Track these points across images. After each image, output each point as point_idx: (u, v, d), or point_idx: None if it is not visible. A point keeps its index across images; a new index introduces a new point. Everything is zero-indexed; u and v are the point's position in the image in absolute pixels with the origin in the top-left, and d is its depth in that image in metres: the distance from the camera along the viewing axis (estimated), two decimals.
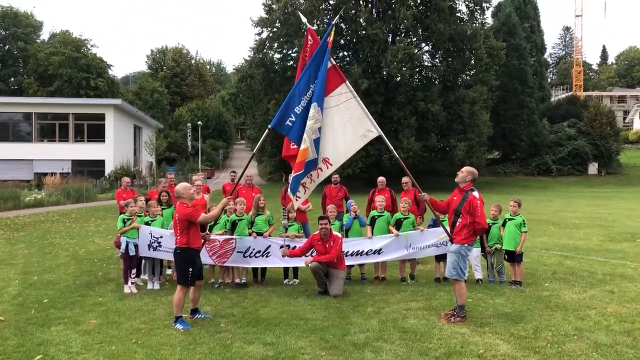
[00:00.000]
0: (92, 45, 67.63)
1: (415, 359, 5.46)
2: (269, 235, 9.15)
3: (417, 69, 44.56)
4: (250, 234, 9.01)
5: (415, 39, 44.32)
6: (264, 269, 9.34)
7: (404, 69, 39.91)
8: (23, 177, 39.39)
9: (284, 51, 46.44)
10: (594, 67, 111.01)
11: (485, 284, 8.96)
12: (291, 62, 46.03)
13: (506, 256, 8.97)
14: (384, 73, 41.83)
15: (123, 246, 8.67)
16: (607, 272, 9.82)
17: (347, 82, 8.44)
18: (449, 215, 7.19)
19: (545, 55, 72.88)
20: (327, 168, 8.40)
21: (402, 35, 43.62)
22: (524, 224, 8.87)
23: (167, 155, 61.21)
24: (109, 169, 42.32)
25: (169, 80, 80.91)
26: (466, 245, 6.89)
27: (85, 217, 22.26)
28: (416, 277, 9.44)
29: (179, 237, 6.75)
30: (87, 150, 43.15)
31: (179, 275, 6.86)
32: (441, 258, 9.21)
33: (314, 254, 8.45)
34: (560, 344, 5.86)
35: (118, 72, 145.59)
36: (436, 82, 44.47)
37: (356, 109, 8.32)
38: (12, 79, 66.90)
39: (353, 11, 43.80)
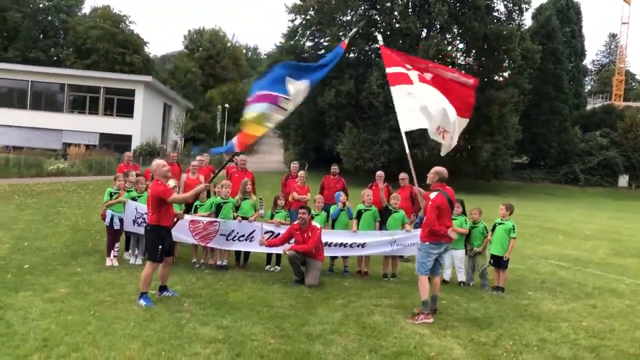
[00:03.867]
0: (130, 22, 68.54)
1: (363, 355, 5.40)
2: (254, 220, 9.15)
3: (449, 66, 43.95)
4: (235, 218, 9.02)
5: (449, 36, 43.69)
6: (247, 253, 9.36)
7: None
8: (52, 146, 40.26)
9: (316, 39, 46.38)
10: (639, 77, 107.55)
11: (467, 287, 8.82)
12: (322, 51, 45.95)
13: (492, 261, 8.80)
14: None
15: (108, 219, 8.79)
16: (599, 285, 9.54)
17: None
18: None
19: (587, 62, 71.05)
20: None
21: (436, 31, 43.03)
22: (514, 229, 8.66)
23: (194, 136, 61.79)
24: (135, 144, 42.96)
25: (204, 62, 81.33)
26: (427, 243, 6.94)
27: (101, 190, 22.42)
28: (398, 275, 9.31)
29: (150, 215, 6.81)
30: (115, 124, 43.87)
31: (149, 252, 6.95)
32: None
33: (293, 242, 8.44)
34: (518, 353, 5.73)
35: (159, 50, 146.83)
36: None
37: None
38: (52, 50, 68.33)
39: (389, 4, 43.42)
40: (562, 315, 7.38)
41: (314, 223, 8.45)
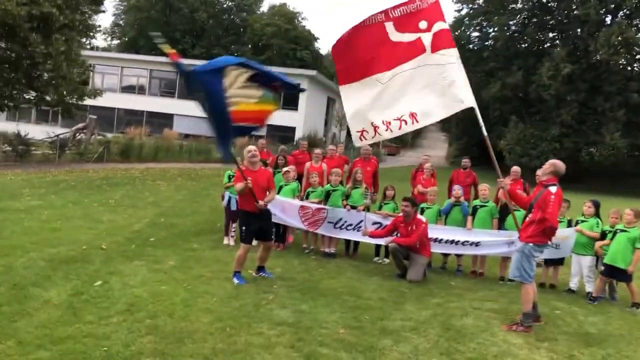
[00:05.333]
0: (302, 19, 71.72)
1: (431, 356, 5.01)
2: (364, 210, 9.00)
3: (637, 56, 39.30)
4: (344, 206, 8.97)
5: (637, 22, 38.99)
6: (357, 243, 9.25)
7: (619, 53, 35.48)
8: None
9: (483, 29, 44.38)
10: None
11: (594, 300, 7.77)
12: (489, 42, 43.90)
13: (602, 268, 7.65)
14: (594, 58, 37.64)
15: (225, 200, 9.29)
16: None
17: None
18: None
19: None
20: (413, 124, 7.59)
21: (622, 17, 38.62)
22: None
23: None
24: (298, 135, 44.89)
25: None
26: (532, 244, 6.07)
27: None
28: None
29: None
30: (280, 117, 45.98)
31: (239, 233, 7.28)
32: (551, 263, 8.29)
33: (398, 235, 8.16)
34: None
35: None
36: None
37: (458, 73, 7.57)
38: (232, 47, 74.09)
39: None
40: None
41: (419, 217, 8.06)
